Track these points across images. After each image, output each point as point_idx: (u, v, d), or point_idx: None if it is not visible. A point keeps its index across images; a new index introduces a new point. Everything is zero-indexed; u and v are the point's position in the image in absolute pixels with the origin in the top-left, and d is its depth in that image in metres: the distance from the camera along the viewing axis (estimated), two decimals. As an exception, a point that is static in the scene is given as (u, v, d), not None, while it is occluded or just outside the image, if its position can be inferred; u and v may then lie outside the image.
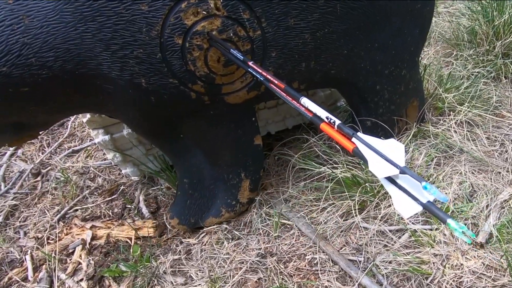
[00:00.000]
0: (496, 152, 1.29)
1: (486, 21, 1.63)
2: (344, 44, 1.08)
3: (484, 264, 1.00)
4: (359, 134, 0.56)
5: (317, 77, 1.13)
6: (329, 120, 0.60)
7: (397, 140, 1.32)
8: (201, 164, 1.19)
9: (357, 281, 1.01)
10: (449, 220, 0.42)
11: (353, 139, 0.55)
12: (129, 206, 1.43)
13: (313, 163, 1.28)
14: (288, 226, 1.22)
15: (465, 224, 1.10)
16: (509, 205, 1.10)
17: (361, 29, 1.07)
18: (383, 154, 0.51)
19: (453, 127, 1.34)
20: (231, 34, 0.94)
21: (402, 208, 0.48)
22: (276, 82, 0.72)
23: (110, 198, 1.48)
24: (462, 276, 0.98)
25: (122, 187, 1.53)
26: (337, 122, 0.58)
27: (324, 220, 1.19)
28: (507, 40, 1.56)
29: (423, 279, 0.99)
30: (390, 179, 0.50)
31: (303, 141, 1.41)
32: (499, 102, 1.47)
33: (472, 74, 1.61)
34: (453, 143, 1.31)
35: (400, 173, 0.49)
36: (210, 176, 1.22)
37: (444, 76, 1.52)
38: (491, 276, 0.97)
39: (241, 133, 1.15)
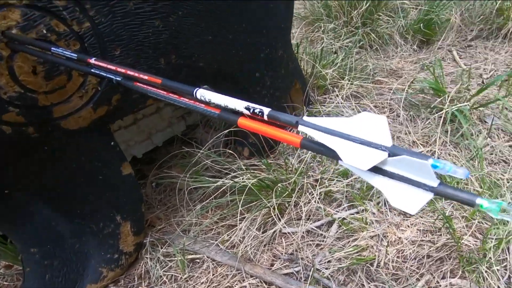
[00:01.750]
0: (389, 118, 1.26)
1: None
2: (206, 29, 0.90)
3: (420, 231, 0.91)
4: (306, 118, 0.37)
5: (183, 74, 0.91)
6: (251, 111, 0.39)
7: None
8: (51, 221, 0.85)
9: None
10: (479, 200, 0.29)
11: (300, 127, 0.37)
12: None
13: (206, 178, 1.05)
14: (198, 260, 0.97)
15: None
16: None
17: (221, 7, 0.91)
18: (358, 138, 0.33)
19: (341, 103, 1.27)
20: (44, 31, 0.67)
21: (404, 202, 0.32)
22: (146, 78, 0.48)
23: None
24: (404, 250, 0.88)
25: None
26: (266, 110, 0.40)
27: (239, 240, 0.96)
28: (362, 9, 1.59)
29: (369, 266, 0.86)
30: (376, 169, 0.33)
31: (183, 156, 1.17)
32: (374, 70, 1.48)
33: (341, 47, 1.60)
34: (348, 118, 1.24)
35: (390, 155, 0.33)
36: (70, 233, 0.88)
37: (317, 53, 1.46)
38: (430, 240, 0.89)
39: (99, 166, 0.85)
